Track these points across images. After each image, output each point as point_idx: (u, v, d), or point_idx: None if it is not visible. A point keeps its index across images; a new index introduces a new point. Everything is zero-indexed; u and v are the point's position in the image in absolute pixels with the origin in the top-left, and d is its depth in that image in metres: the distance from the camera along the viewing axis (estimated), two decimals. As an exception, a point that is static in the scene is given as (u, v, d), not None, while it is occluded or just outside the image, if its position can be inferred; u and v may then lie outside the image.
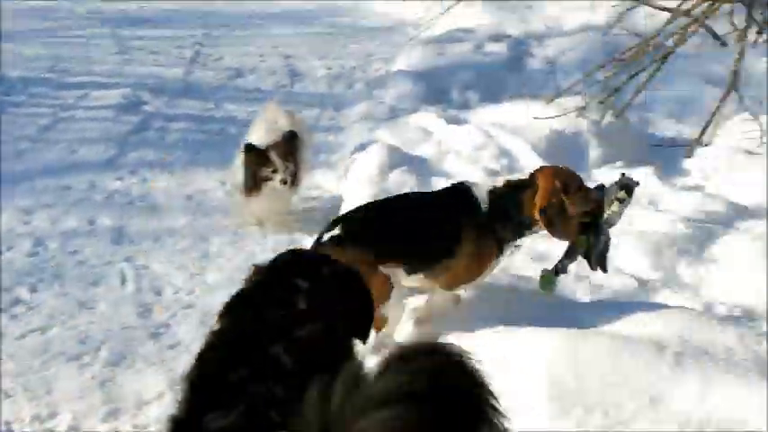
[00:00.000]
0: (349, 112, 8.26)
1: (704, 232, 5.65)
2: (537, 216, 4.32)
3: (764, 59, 8.98)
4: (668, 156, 7.17)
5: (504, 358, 3.87)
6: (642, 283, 5.17)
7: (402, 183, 6.23)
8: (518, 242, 4.65)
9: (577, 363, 3.77)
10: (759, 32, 9.11)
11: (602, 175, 6.45)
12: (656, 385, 3.66)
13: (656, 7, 8.14)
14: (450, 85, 8.96)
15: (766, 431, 3.41)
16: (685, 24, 7.57)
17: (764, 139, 7.17)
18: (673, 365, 3.75)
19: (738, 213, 6.05)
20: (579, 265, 4.68)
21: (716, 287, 5.23)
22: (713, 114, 7.41)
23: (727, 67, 7.54)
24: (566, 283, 4.98)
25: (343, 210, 5.54)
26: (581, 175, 4.60)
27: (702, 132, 7.38)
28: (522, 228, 4.44)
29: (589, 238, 4.47)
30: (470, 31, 10.57)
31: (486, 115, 7.72)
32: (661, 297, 5.03)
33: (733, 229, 5.79)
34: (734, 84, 7.37)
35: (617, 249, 4.97)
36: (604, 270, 4.56)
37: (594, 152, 6.93)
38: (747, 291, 5.11)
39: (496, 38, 10.24)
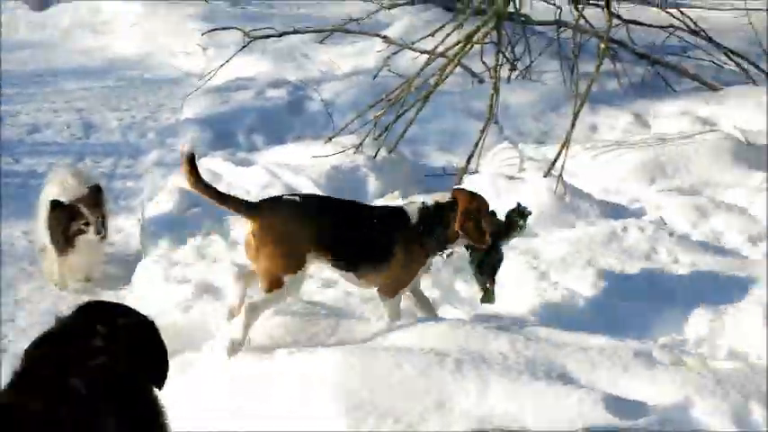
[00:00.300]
0: (144, 159, 8.32)
1: (474, 250, 5.98)
2: (458, 230, 4.83)
3: (520, 92, 9.53)
4: (440, 184, 7.43)
5: (304, 375, 4.13)
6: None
7: (198, 221, 6.46)
8: (447, 251, 5.06)
9: (369, 376, 4.03)
10: (512, 69, 9.71)
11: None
12: (439, 390, 3.95)
13: (416, 51, 8.57)
14: (236, 129, 9.13)
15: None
16: (443, 65, 7.99)
17: (524, 165, 7.62)
18: (454, 371, 4.06)
19: (505, 232, 6.39)
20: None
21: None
22: (476, 145, 7.79)
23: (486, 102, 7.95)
24: (356, 304, 5.26)
25: (143, 253, 5.80)
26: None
27: (468, 161, 7.73)
28: (446, 240, 4.91)
29: (490, 253, 5.01)
30: (252, 79, 10.76)
31: (271, 156, 7.89)
32: (441, 312, 5.28)
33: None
34: (492, 116, 7.81)
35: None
36: (493, 281, 5.05)
37: (372, 184, 7.17)
38: (517, 301, 5.43)
39: (276, 84, 10.43)
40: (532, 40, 10.05)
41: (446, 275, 5.68)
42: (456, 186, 5.68)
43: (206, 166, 7.45)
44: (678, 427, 3.82)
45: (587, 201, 6.87)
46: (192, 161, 4.59)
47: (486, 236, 4.90)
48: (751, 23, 10.61)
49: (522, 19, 10.02)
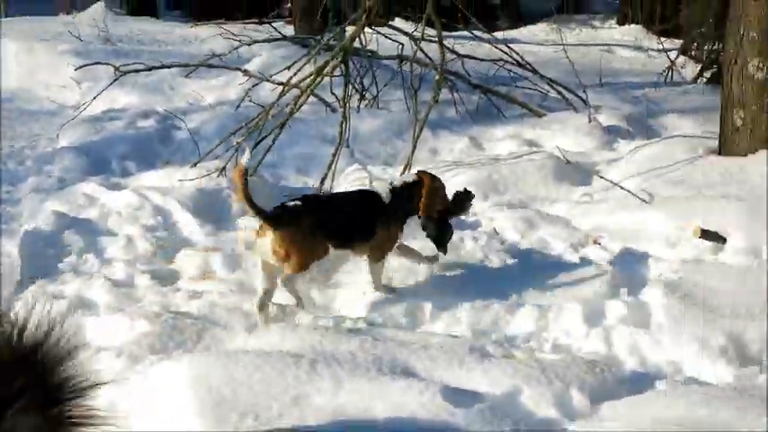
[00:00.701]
0: (23, 185, 8.14)
1: (329, 262, 6.04)
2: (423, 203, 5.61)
3: (368, 119, 9.68)
4: (297, 204, 7.58)
5: (171, 378, 4.16)
6: (282, 308, 5.42)
7: (73, 242, 6.44)
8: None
9: (231, 377, 4.10)
10: (361, 99, 9.85)
11: (246, 224, 6.85)
12: (296, 388, 4.05)
13: (273, 83, 8.64)
14: (109, 156, 9.00)
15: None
16: (297, 96, 8.10)
17: (373, 184, 7.77)
18: (309, 371, 4.18)
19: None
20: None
21: (342, 305, 5.65)
22: (329, 167, 7.93)
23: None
24: (221, 314, 5.30)
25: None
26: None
27: (322, 182, 7.86)
28: (413, 212, 5.66)
29: (444, 228, 5.75)
30: (123, 110, 10.64)
31: (142, 180, 7.91)
32: (298, 318, 5.32)
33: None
34: (342, 141, 7.95)
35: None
36: (445, 251, 5.80)
37: (235, 205, 7.20)
38: (366, 306, 5.52)
39: (146, 114, 10.32)
40: (378, 72, 10.20)
41: (302, 285, 5.73)
42: (420, 169, 6.23)
43: (81, 190, 7.44)
44: (508, 413, 3.99)
45: (428, 216, 7.05)
46: (244, 174, 5.10)
47: (438, 211, 5.67)
48: (568, 57, 11.06)
49: (369, 54, 10.18)
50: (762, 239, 6.20)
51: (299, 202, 5.40)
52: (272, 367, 4.20)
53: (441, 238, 5.75)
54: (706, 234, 6.33)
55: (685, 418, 3.86)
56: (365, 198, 5.70)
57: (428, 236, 5.75)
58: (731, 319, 5.08)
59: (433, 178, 5.79)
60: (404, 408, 3.91)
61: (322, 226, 5.30)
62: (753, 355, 4.92)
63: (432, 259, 5.90)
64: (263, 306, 5.19)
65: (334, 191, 7.63)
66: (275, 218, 5.21)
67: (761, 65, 7.60)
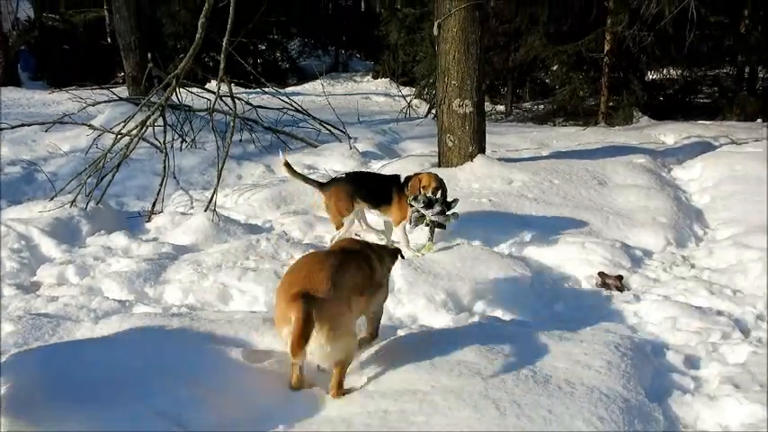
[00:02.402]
0: None
1: (159, 265, 5.87)
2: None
3: (189, 156, 9.46)
4: (135, 222, 7.30)
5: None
6: (122, 303, 5.23)
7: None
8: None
9: (80, 361, 3.86)
10: (182, 141, 9.58)
11: (93, 242, 6.51)
12: (138, 360, 3.87)
13: (112, 133, 8.29)
14: (-18, 197, 8.39)
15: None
16: (128, 142, 7.81)
17: (193, 205, 7.59)
18: (139, 348, 4.00)
19: (178, 251, 6.32)
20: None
21: (172, 295, 5.45)
22: (158, 193, 7.66)
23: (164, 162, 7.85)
24: (74, 311, 5.01)
25: None
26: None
27: (153, 205, 7.57)
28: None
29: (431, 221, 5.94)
30: (-6, 159, 9.94)
31: (10, 214, 7.32)
32: (136, 309, 5.14)
33: (177, 261, 6.04)
34: (167, 174, 7.71)
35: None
36: (444, 227, 6.03)
37: (86, 227, 6.84)
38: (186, 294, 5.39)
39: (13, 162, 9.61)
40: (198, 121, 9.99)
41: (138, 283, 5.53)
42: (428, 170, 6.98)
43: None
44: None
45: (235, 225, 6.94)
46: (287, 164, 6.46)
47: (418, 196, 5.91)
48: (329, 103, 11.22)
49: (187, 108, 9.95)
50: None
51: (342, 176, 6.51)
52: (115, 348, 4.01)
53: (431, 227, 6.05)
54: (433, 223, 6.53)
55: (418, 352, 3.95)
56: (389, 177, 6.37)
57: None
58: (448, 281, 5.26)
59: (428, 177, 6.04)
60: (216, 366, 3.83)
61: (352, 190, 6.12)
62: (464, 305, 5.12)
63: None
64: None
65: (161, 213, 7.40)
66: (322, 184, 6.33)
67: (461, 104, 7.95)
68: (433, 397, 3.41)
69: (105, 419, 3.25)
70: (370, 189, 6.21)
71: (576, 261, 5.77)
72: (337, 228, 6.23)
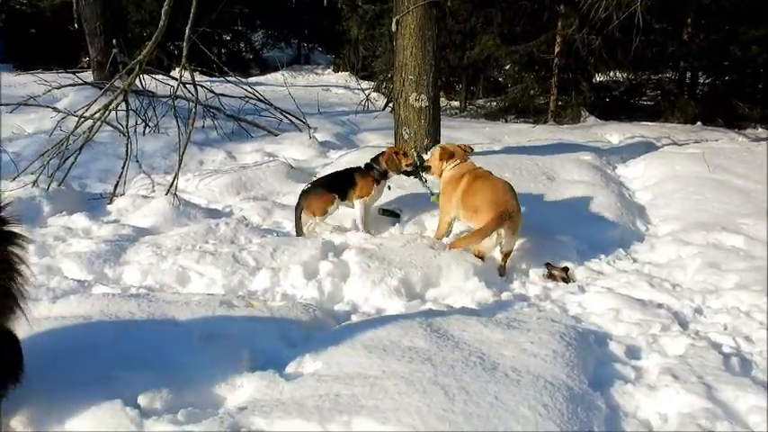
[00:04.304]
0: None
1: (119, 246, 5.72)
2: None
3: (152, 141, 9.23)
4: (97, 204, 7.10)
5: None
6: (81, 283, 5.07)
7: None
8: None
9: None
10: (145, 126, 9.35)
11: (54, 222, 6.31)
12: (85, 341, 3.73)
13: (76, 116, 8.04)
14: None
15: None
16: (91, 125, 7.58)
17: (155, 188, 7.40)
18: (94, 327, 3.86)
19: (138, 234, 6.17)
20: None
21: (129, 276, 5.31)
22: (120, 176, 7.45)
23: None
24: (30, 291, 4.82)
25: None
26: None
27: (115, 188, 7.37)
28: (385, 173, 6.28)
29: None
30: (-44, 140, 9.54)
31: (-28, 194, 7.12)
32: (95, 290, 4.99)
33: (137, 243, 5.89)
34: (129, 157, 7.51)
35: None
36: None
37: (47, 208, 6.64)
38: (151, 276, 5.27)
39: (-24, 142, 9.34)
40: (161, 107, 9.75)
41: (97, 264, 5.37)
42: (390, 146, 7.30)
43: None
44: (246, 346, 3.85)
45: (195, 209, 6.79)
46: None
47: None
48: (291, 94, 11.06)
49: (150, 94, 9.72)
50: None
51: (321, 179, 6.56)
52: (66, 330, 3.87)
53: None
54: (384, 212, 6.50)
55: (371, 338, 3.89)
56: (349, 170, 6.38)
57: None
58: (401, 268, 5.21)
59: (391, 151, 6.35)
60: (170, 347, 3.71)
61: (331, 186, 6.21)
62: (417, 292, 5.08)
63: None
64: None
65: (123, 195, 7.23)
66: (306, 190, 6.28)
67: (417, 98, 7.88)
68: (384, 382, 3.35)
69: (58, 400, 3.13)
70: (339, 182, 6.27)
71: (524, 252, 5.75)
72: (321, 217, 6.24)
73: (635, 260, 5.89)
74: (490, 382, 3.35)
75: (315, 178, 6.97)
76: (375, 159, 6.30)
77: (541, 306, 4.92)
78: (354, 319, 4.62)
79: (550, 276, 5.45)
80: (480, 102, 16.81)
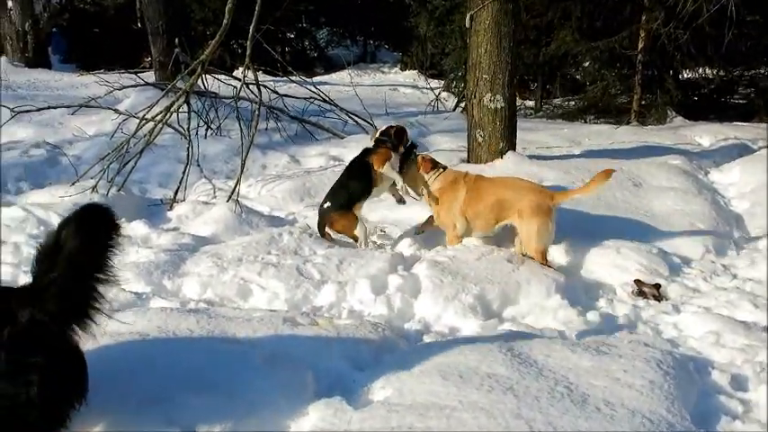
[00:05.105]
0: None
1: (178, 256, 5.68)
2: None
3: (213, 144, 9.26)
4: (156, 210, 7.13)
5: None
6: (138, 295, 5.05)
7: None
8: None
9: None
10: (207, 128, 9.39)
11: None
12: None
13: (137, 118, 8.10)
14: (6, 180, 8.22)
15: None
16: (152, 127, 7.61)
17: (216, 194, 7.38)
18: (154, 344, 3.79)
19: (198, 243, 6.13)
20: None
21: (189, 289, 5.26)
22: (180, 181, 7.47)
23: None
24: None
25: None
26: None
27: (176, 193, 7.39)
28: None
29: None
30: (19, 141, 9.71)
31: (31, 198, 7.19)
32: (152, 303, 4.95)
33: (197, 252, 5.85)
34: (190, 161, 7.51)
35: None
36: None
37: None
38: (205, 289, 5.20)
39: (38, 145, 9.47)
40: (224, 108, 9.78)
41: (155, 275, 5.34)
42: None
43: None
44: (311, 367, 3.72)
45: (257, 216, 6.75)
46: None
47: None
48: (357, 93, 10.95)
49: (213, 95, 9.76)
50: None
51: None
52: (122, 342, 3.81)
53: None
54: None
55: (446, 362, 3.71)
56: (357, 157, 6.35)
57: None
58: (477, 284, 5.01)
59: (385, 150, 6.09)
60: (230, 368, 3.60)
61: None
62: (493, 310, 4.87)
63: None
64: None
65: (183, 201, 7.28)
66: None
67: (492, 98, 7.66)
68: (462, 414, 3.16)
69: (115, 424, 3.05)
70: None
71: (610, 267, 5.47)
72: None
73: (734, 276, 5.52)
74: (580, 418, 3.13)
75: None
76: (379, 138, 6.21)
77: (631, 327, 4.64)
78: (426, 339, 4.46)
79: (641, 294, 5.16)
80: (557, 101, 16.38)
